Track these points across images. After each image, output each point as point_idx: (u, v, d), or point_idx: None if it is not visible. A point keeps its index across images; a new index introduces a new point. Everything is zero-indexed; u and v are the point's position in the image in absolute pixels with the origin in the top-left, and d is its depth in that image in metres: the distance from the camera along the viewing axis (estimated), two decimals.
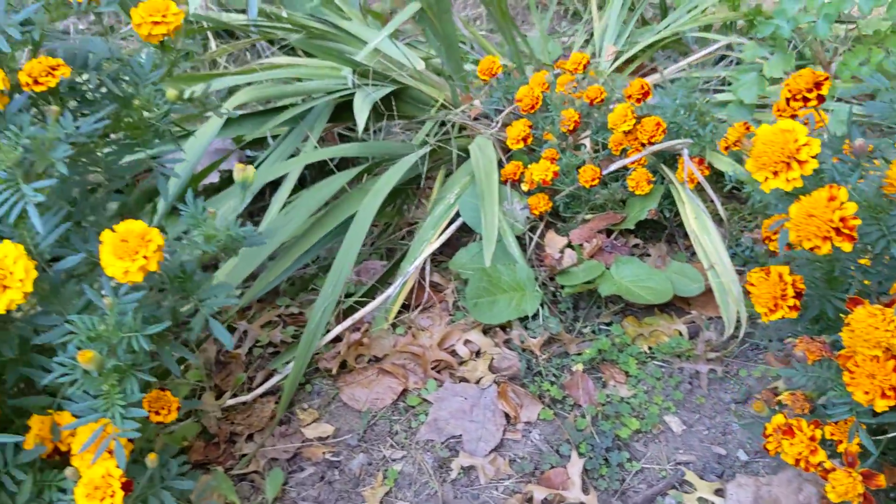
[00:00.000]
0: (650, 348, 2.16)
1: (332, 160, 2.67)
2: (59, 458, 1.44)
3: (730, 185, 2.43)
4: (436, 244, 2.48)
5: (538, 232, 2.54)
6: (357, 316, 2.27)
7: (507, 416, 2.03)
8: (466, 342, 2.27)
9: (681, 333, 2.20)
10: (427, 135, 2.96)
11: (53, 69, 1.39)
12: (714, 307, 2.25)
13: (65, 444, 1.42)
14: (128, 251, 1.30)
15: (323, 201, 2.44)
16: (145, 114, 1.55)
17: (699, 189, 2.42)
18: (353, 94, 2.78)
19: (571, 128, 2.66)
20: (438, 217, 2.57)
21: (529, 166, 2.59)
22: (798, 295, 1.44)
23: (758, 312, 1.48)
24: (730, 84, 3.25)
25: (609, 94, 2.69)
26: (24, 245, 1.30)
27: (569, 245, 2.51)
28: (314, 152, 2.54)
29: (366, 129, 2.91)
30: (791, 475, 1.70)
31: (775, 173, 1.31)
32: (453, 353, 2.25)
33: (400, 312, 2.39)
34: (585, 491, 1.82)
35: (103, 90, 1.56)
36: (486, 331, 2.30)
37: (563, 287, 2.35)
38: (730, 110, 2.99)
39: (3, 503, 1.37)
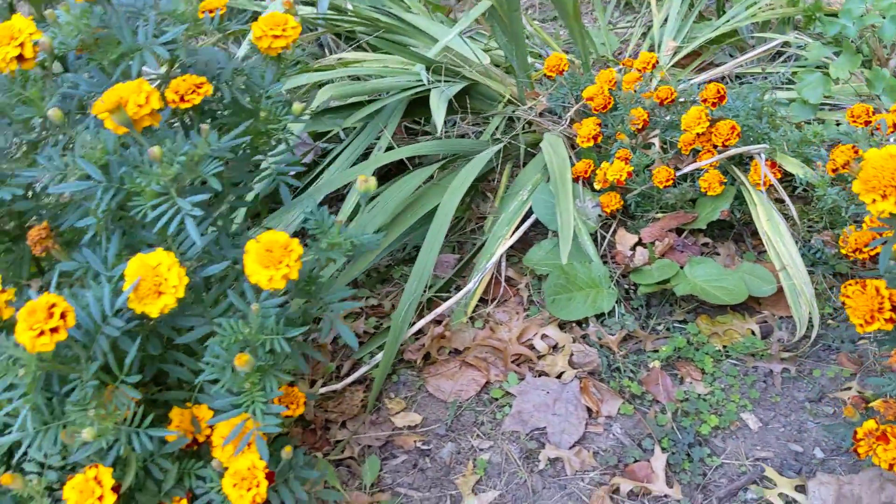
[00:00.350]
0: (724, 347, 2.24)
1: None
2: (196, 448, 1.55)
3: (800, 187, 2.50)
4: (511, 240, 2.57)
5: (611, 230, 2.61)
6: (439, 310, 2.37)
7: (588, 410, 2.12)
8: (544, 336, 2.36)
9: (753, 333, 2.28)
10: (495, 130, 3.03)
11: (198, 87, 1.48)
12: (785, 307, 2.32)
13: (202, 435, 1.52)
14: (272, 260, 1.40)
15: (404, 197, 2.53)
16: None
17: (769, 190, 2.48)
18: (425, 91, 2.86)
19: (641, 127, 2.73)
20: (512, 213, 2.65)
21: (601, 165, 2.67)
22: (894, 308, 1.51)
23: (853, 323, 1.56)
24: (791, 82, 3.30)
25: (677, 93, 2.75)
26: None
27: (639, 243, 2.58)
28: (397, 151, 2.62)
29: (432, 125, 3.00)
30: (873, 475, 1.78)
31: (884, 196, 1.38)
32: (531, 347, 2.34)
33: (476, 307, 2.48)
34: (669, 484, 1.91)
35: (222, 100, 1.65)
36: (562, 326, 2.39)
37: (637, 285, 2.42)
38: (793, 109, 3.04)
39: (148, 489, 1.48)
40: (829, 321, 2.29)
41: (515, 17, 3.02)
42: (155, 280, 1.36)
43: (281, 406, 1.43)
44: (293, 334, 1.42)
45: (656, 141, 2.79)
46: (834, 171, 2.36)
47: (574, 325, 2.37)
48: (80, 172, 1.41)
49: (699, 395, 2.12)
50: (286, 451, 1.49)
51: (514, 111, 3.09)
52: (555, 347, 2.32)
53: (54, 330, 1.22)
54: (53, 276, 1.45)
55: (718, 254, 2.59)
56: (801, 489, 1.86)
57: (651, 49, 3.63)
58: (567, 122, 2.96)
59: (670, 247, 2.54)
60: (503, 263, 2.55)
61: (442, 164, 2.79)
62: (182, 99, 1.47)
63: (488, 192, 3.02)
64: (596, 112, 2.77)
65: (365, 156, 2.84)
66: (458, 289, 2.53)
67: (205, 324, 1.49)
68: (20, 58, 1.42)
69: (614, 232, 2.65)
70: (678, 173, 2.54)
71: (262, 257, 1.40)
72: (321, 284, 1.59)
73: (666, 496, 1.88)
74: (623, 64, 3.11)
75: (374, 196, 2.55)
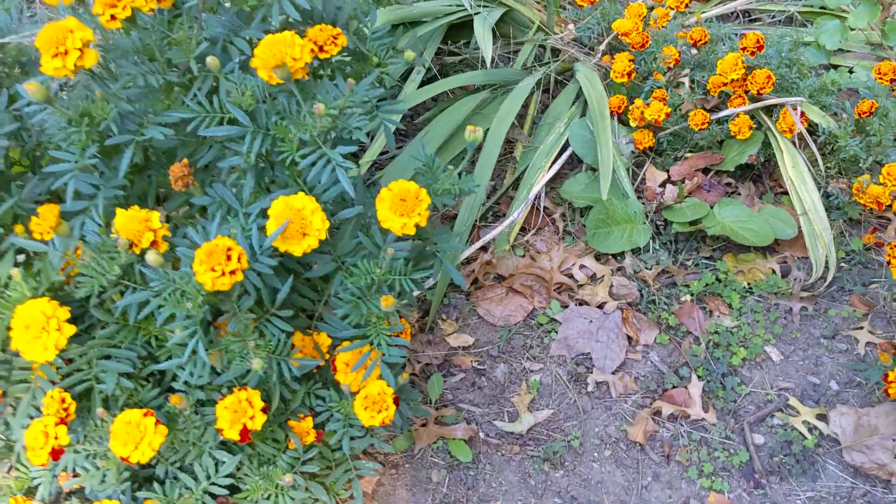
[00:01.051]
0: (749, 284, 2.45)
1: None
2: (315, 371, 1.69)
3: (822, 136, 2.67)
4: (550, 173, 2.70)
5: (645, 167, 2.76)
6: (487, 238, 2.51)
7: (629, 338, 2.32)
8: (582, 267, 2.53)
9: (774, 272, 2.49)
10: (526, 58, 3.11)
11: (335, 38, 1.54)
12: (802, 249, 2.53)
13: (323, 359, 1.66)
14: (405, 209, 1.51)
15: (455, 126, 2.62)
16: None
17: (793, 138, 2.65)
18: (466, 16, 2.92)
19: (672, 65, 2.85)
20: (550, 146, 2.77)
21: (635, 102, 2.79)
22: None
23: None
24: (803, 24, 3.43)
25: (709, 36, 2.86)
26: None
27: (668, 180, 2.75)
28: (448, 80, 2.69)
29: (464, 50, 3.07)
30: (889, 408, 2.04)
31: None
32: (570, 276, 2.52)
33: (516, 235, 2.62)
34: (705, 409, 2.14)
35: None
36: (598, 258, 2.56)
37: (669, 223, 2.60)
38: (808, 53, 3.18)
39: (278, 408, 1.63)
40: (843, 264, 2.50)
41: None
42: (301, 223, 1.46)
43: (404, 339, 1.57)
44: (419, 276, 1.56)
45: (686, 80, 2.92)
46: (860, 115, 2.54)
47: (610, 257, 2.55)
48: (226, 116, 1.48)
49: (727, 328, 2.33)
50: (403, 377, 1.65)
51: (544, 39, 3.16)
52: (592, 277, 2.50)
53: (233, 272, 1.32)
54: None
55: (739, 194, 2.77)
56: (822, 418, 2.10)
57: None
58: (599, 56, 3.05)
59: (698, 185, 2.71)
60: (542, 194, 2.69)
61: (480, 91, 2.87)
62: (321, 49, 1.54)
63: (515, 119, 3.11)
64: (634, 49, 2.87)
65: (402, 79, 2.91)
66: (496, 216, 2.67)
67: (330, 261, 1.61)
68: None
69: (644, 168, 2.80)
70: (713, 117, 2.68)
71: (395, 205, 1.51)
72: (433, 230, 1.71)
73: (703, 420, 2.11)
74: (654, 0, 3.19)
75: (425, 121, 2.64)
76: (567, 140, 2.79)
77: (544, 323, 2.36)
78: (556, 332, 2.33)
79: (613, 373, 2.23)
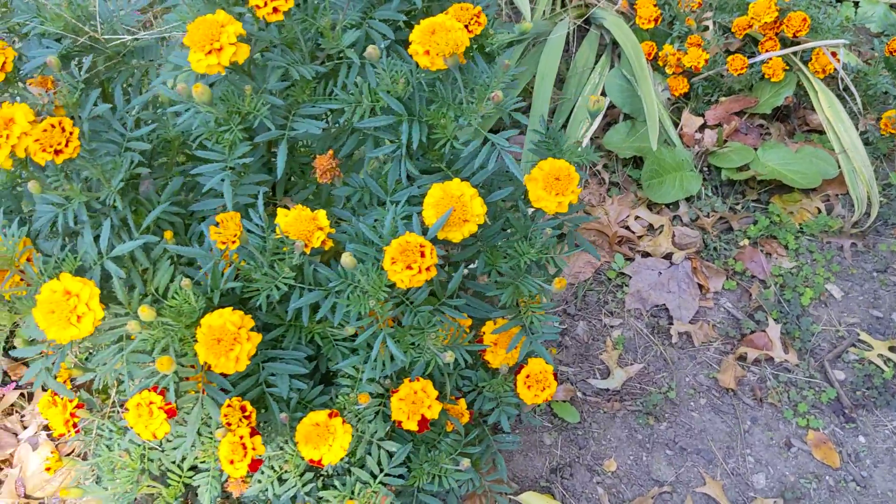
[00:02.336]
0: (800, 225, 2.53)
1: None
2: None
3: (851, 75, 2.75)
4: (595, 125, 2.70)
5: (683, 114, 2.79)
6: None
7: (700, 286, 2.38)
8: (637, 218, 2.57)
9: (820, 211, 2.57)
10: (545, 7, 3.07)
11: (477, 17, 1.49)
12: (841, 186, 2.62)
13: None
14: (560, 187, 1.49)
15: None
16: None
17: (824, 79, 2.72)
18: None
19: (695, 7, 2.87)
20: (588, 98, 2.77)
21: (664, 48, 2.81)
22: None
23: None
24: None
25: None
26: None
27: (704, 125, 2.79)
28: None
29: None
30: None
31: None
32: (627, 228, 2.55)
33: None
34: (786, 350, 2.22)
35: None
36: (651, 207, 2.60)
37: (716, 169, 2.65)
38: None
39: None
40: (882, 199, 2.61)
41: None
42: (462, 209, 1.43)
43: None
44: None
45: (710, 24, 2.94)
46: (891, 52, 2.62)
47: (663, 206, 2.59)
48: (378, 105, 1.42)
49: (787, 269, 2.42)
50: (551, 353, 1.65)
51: None
52: (650, 228, 2.54)
53: (428, 268, 1.29)
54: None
55: (770, 135, 2.83)
56: (894, 350, 2.22)
57: None
58: (619, 1, 3.04)
59: (735, 129, 2.76)
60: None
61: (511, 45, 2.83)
62: (467, 28, 1.48)
63: None
64: None
65: None
66: None
67: (475, 242, 1.59)
68: None
69: (679, 114, 2.83)
70: (751, 61, 2.72)
71: (549, 184, 1.49)
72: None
73: (785, 361, 2.20)
74: None
75: None
76: (604, 90, 2.78)
77: (613, 277, 2.39)
78: (627, 285, 2.37)
79: (691, 322, 2.29)
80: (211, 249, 1.39)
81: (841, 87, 2.71)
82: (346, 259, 1.28)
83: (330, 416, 1.39)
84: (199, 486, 1.54)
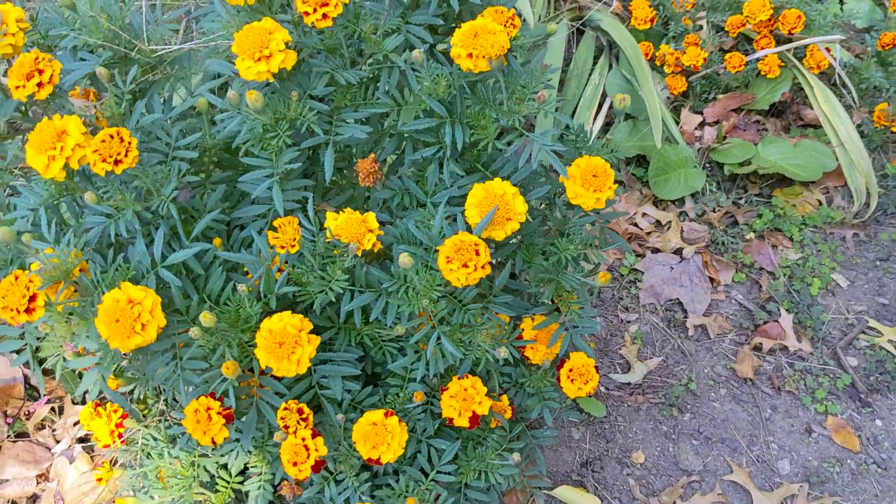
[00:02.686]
0: (803, 217, 2.59)
1: None
2: None
3: (844, 70, 2.82)
4: (597, 125, 2.74)
5: (682, 112, 2.85)
6: None
7: (710, 280, 2.43)
8: (644, 215, 2.61)
9: (821, 203, 2.64)
10: (542, 10, 3.11)
11: (512, 20, 1.52)
12: (838, 178, 2.69)
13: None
14: (598, 184, 1.53)
15: None
16: None
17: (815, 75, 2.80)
18: None
19: (689, 8, 2.93)
20: (590, 98, 2.81)
21: (660, 48, 2.87)
22: None
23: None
24: None
25: None
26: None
27: (703, 123, 2.85)
28: None
29: None
30: None
31: None
32: (635, 224, 2.59)
33: None
34: (799, 339, 2.28)
35: None
36: (657, 204, 2.64)
37: (718, 165, 2.70)
38: None
39: None
40: (880, 189, 2.68)
41: None
42: (506, 208, 1.46)
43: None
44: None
45: (704, 23, 3.01)
46: (883, 47, 2.70)
47: (669, 203, 2.63)
48: (420, 107, 1.45)
49: (794, 260, 2.47)
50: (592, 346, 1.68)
51: None
52: (657, 224, 2.58)
53: (483, 266, 1.31)
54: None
55: (767, 130, 2.90)
56: None
57: None
58: (613, 3, 3.09)
59: (734, 125, 2.82)
60: None
61: None
62: (506, 25, 1.51)
63: None
64: None
65: None
66: None
67: (512, 241, 1.61)
68: None
69: (678, 113, 2.88)
70: (749, 58, 2.78)
71: (587, 181, 1.52)
72: None
73: (800, 349, 2.25)
74: None
75: None
76: (604, 90, 2.83)
77: (626, 273, 2.43)
78: (641, 281, 2.41)
79: (705, 314, 2.34)
80: (259, 254, 1.41)
81: (839, 83, 2.78)
82: (404, 259, 1.30)
83: (386, 415, 1.40)
84: (248, 491, 1.55)
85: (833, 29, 2.92)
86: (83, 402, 2.01)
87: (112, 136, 1.23)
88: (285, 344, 1.29)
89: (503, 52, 1.40)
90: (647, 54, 2.88)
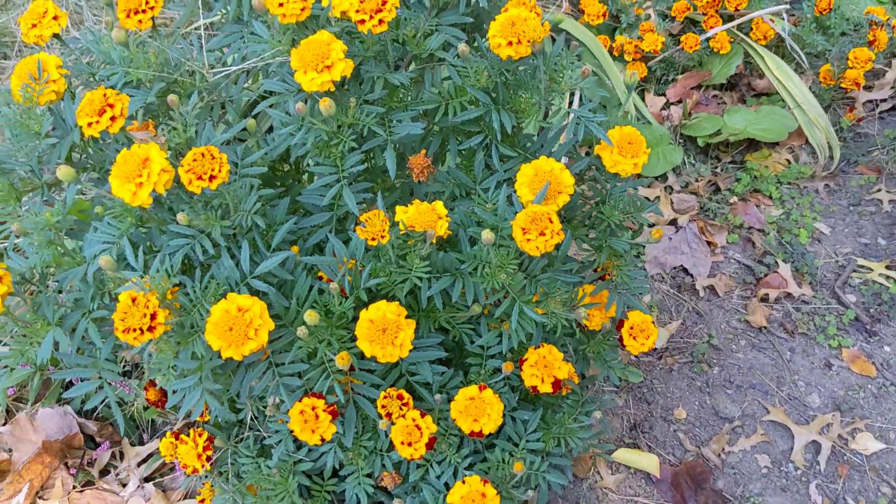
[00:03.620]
0: (776, 176, 2.77)
1: None
2: None
3: (789, 38, 3.03)
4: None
5: (647, 97, 3.01)
6: None
7: (708, 244, 2.58)
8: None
9: (790, 161, 2.83)
10: None
11: (534, 7, 1.63)
12: (799, 137, 2.89)
13: None
14: (633, 150, 1.64)
15: None
16: None
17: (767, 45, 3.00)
18: None
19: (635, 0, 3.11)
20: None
21: (616, 38, 3.04)
22: None
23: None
24: None
25: None
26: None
27: (668, 103, 3.02)
28: None
29: None
30: None
31: None
32: None
33: None
34: (800, 285, 2.44)
35: None
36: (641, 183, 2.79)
37: (691, 138, 2.87)
38: None
39: None
40: (839, 143, 2.88)
41: None
42: (557, 183, 1.56)
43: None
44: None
45: (652, 12, 3.19)
46: (820, 12, 2.91)
47: (654, 180, 2.78)
48: (464, 98, 1.54)
49: (778, 216, 2.64)
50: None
51: None
52: (648, 199, 2.72)
53: (558, 233, 1.41)
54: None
55: (726, 103, 3.09)
56: (891, 268, 2.46)
57: None
58: (563, 2, 3.25)
59: (697, 102, 3.00)
60: None
61: None
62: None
63: None
64: None
65: None
66: None
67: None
68: None
69: (643, 97, 3.05)
70: (703, 37, 2.97)
71: (623, 148, 1.64)
72: None
73: (802, 294, 2.41)
74: None
75: None
76: None
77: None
78: (643, 253, 2.53)
79: (709, 276, 2.47)
80: (334, 254, 1.47)
81: (789, 49, 2.98)
82: (487, 235, 1.38)
83: (480, 388, 1.48)
84: (344, 490, 1.59)
85: (773, 2, 3.13)
86: (141, 443, 2.01)
87: (203, 155, 1.28)
88: (388, 330, 1.35)
89: (545, 34, 1.51)
90: (605, 46, 3.03)
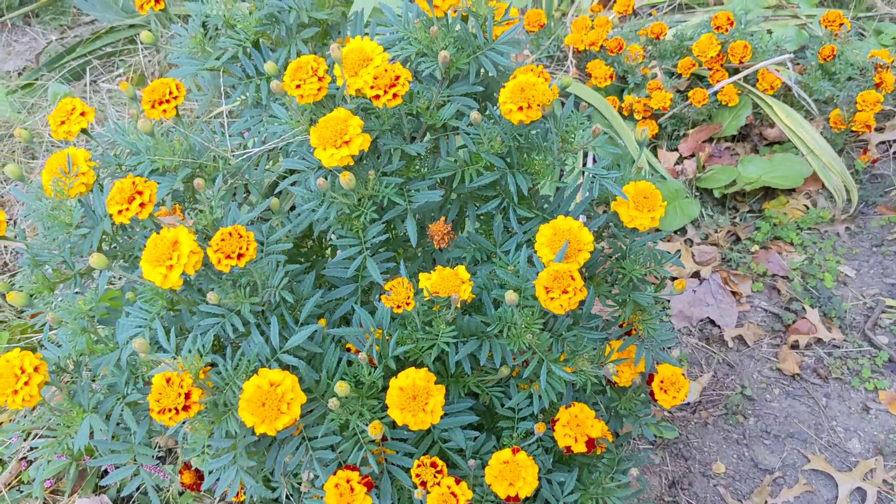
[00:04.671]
0: (796, 222, 2.78)
1: None
2: None
3: (797, 86, 3.07)
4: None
5: (659, 153, 3.05)
6: None
7: (733, 293, 2.57)
8: None
9: (808, 207, 2.84)
10: None
11: (542, 73, 1.68)
12: (815, 183, 2.90)
13: None
14: (650, 205, 1.67)
15: None
16: None
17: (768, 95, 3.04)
18: None
19: (640, 60, 3.17)
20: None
21: (625, 98, 3.09)
22: None
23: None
24: (690, 8, 3.89)
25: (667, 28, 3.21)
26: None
27: (680, 157, 3.05)
28: None
29: None
30: None
31: None
32: None
33: None
34: (829, 329, 2.42)
35: None
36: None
37: (708, 191, 2.89)
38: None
39: None
40: (856, 185, 2.89)
41: None
42: (575, 241, 1.58)
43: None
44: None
45: (658, 71, 3.25)
46: (824, 59, 2.95)
47: (672, 234, 2.80)
48: (479, 165, 1.58)
49: (801, 262, 2.64)
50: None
51: None
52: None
53: (581, 290, 1.42)
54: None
55: (738, 154, 3.11)
56: None
57: None
58: (571, 69, 3.33)
59: (710, 155, 3.03)
60: None
61: None
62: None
63: None
64: (611, 54, 3.16)
65: None
66: None
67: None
68: None
69: (656, 153, 3.08)
70: (710, 91, 3.02)
71: (639, 203, 1.66)
72: None
73: (833, 339, 2.39)
74: (592, 10, 3.52)
75: None
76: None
77: None
78: (668, 308, 2.53)
79: (737, 326, 2.46)
80: (360, 325, 1.49)
81: (797, 97, 3.02)
82: (510, 296, 1.40)
83: (514, 451, 1.47)
84: None
85: (776, 52, 3.19)
86: None
87: (231, 234, 1.32)
88: (419, 396, 1.36)
89: (554, 97, 1.55)
90: (614, 106, 3.09)
